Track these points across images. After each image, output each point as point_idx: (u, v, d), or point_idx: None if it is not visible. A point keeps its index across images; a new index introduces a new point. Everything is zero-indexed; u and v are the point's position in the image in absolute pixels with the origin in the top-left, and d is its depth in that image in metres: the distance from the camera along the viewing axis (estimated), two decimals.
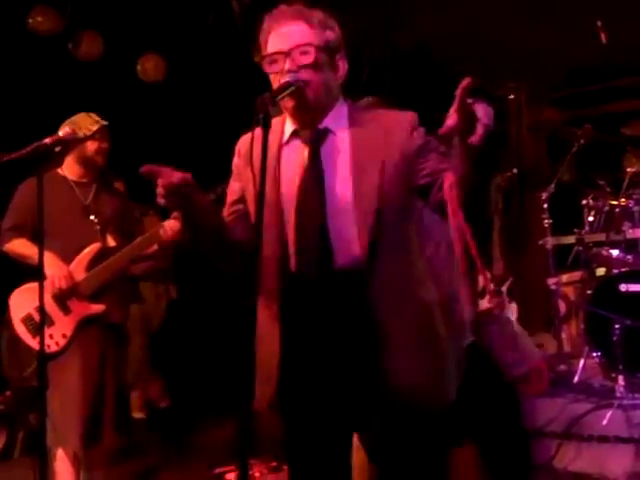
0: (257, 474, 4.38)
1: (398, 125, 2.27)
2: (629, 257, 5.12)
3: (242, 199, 2.41)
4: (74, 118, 4.10)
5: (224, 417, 5.49)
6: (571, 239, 5.47)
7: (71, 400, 3.97)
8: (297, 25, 2.24)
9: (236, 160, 2.47)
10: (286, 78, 2.18)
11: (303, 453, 2.34)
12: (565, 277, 5.67)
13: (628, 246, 5.15)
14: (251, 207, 2.34)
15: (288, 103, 2.21)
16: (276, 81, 2.22)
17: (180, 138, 6.57)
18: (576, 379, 4.89)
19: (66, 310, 3.97)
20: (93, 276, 3.97)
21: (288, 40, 2.22)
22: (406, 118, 2.29)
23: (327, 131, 2.28)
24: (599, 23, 5.66)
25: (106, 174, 4.33)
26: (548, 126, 7.31)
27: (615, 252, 5.19)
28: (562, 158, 5.66)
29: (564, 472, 4.28)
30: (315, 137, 2.27)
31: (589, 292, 4.99)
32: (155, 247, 4.14)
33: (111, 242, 4.14)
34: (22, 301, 4.04)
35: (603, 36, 5.68)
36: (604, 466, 4.17)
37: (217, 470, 4.54)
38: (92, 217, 4.09)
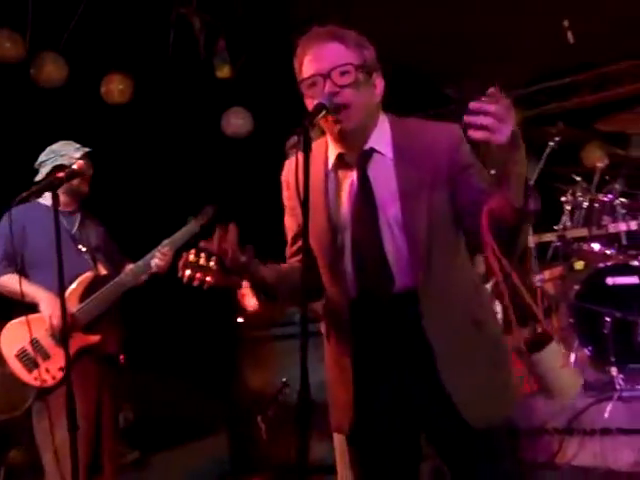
0: None
1: (444, 138, 2.25)
2: (611, 251, 5.19)
3: (299, 235, 2.40)
4: (55, 147, 4.04)
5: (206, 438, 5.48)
6: (552, 236, 5.52)
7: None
8: (334, 46, 2.21)
9: (285, 193, 2.45)
10: (318, 100, 2.15)
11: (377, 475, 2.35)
12: (547, 273, 5.72)
13: (609, 240, 5.22)
14: (313, 240, 2.29)
15: (333, 127, 2.19)
16: (311, 105, 2.19)
17: (150, 158, 6.49)
18: None
19: (62, 343, 3.89)
20: (88, 307, 3.91)
21: (326, 61, 2.19)
22: (452, 131, 2.27)
23: (372, 151, 2.26)
24: (566, 23, 5.73)
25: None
26: None
27: (596, 246, 5.26)
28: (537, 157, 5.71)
29: (568, 467, 4.30)
30: (361, 159, 2.25)
31: (576, 287, 5.03)
32: (145, 276, 4.08)
33: (102, 270, 4.08)
34: (14, 336, 3.94)
35: (570, 35, 5.75)
36: (608, 459, 4.20)
37: None
38: (80, 246, 4.03)
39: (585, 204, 5.28)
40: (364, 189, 2.22)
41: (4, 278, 4.01)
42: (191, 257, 3.15)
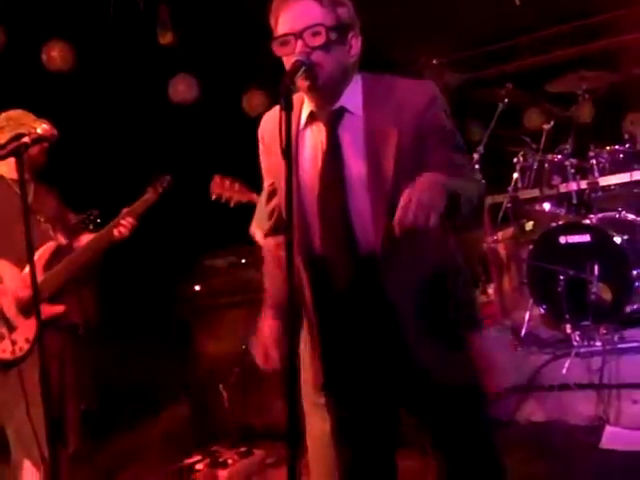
0: (229, 460, 4.35)
1: (415, 95, 2.20)
2: (562, 210, 5.28)
3: (275, 191, 2.40)
4: (12, 114, 3.92)
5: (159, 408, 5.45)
6: (504, 197, 5.58)
7: (36, 407, 3.84)
8: (307, 4, 2.17)
9: (260, 150, 2.43)
10: (296, 57, 2.12)
11: (353, 431, 2.37)
12: (499, 234, 5.80)
13: (560, 200, 5.31)
14: (281, 194, 2.31)
15: (303, 83, 2.15)
16: (288, 62, 2.16)
17: (97, 127, 6.36)
18: (523, 332, 5.03)
19: (27, 314, 3.82)
20: (52, 277, 3.82)
21: (298, 21, 2.16)
22: (424, 88, 2.24)
23: (343, 110, 2.23)
24: None
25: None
26: (448, 89, 7.44)
27: (547, 206, 5.35)
28: (487, 120, 5.77)
29: (527, 424, 4.40)
30: (332, 118, 2.22)
31: (530, 247, 5.11)
32: (109, 243, 4.02)
33: (62, 240, 4.00)
34: None
35: None
36: (566, 413, 4.31)
37: (186, 461, 4.46)
38: (38, 217, 3.93)
39: (535, 165, 5.35)
40: (332, 148, 2.21)
41: None
42: (218, 180, 3.69)
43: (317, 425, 2.66)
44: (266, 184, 2.47)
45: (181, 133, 6.86)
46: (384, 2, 6.07)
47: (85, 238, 4.13)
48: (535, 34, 7.13)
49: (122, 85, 6.70)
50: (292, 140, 2.11)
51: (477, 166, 5.55)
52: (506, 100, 5.58)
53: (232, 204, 3.76)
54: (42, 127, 3.10)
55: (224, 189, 3.78)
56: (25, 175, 3.94)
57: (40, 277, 3.83)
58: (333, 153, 2.20)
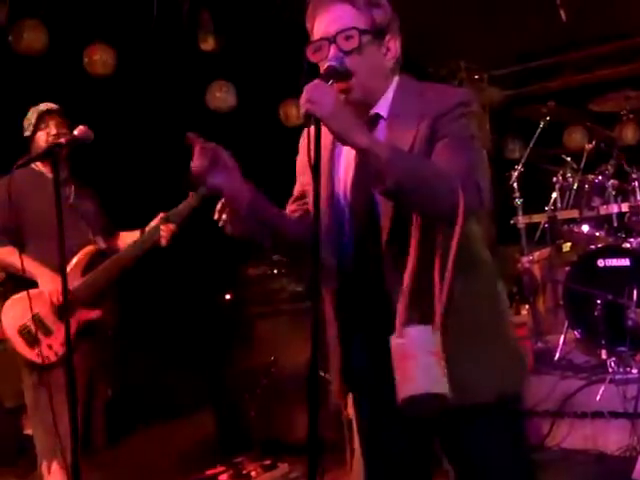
0: (253, 473, 4.30)
1: (438, 101, 2.10)
2: (601, 233, 5.18)
3: (302, 196, 2.35)
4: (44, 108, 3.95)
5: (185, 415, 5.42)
6: (543, 217, 5.49)
7: (65, 413, 3.83)
8: (341, 7, 2.11)
9: (299, 157, 2.38)
10: (329, 63, 2.06)
11: (378, 438, 2.30)
12: (535, 255, 5.71)
13: (599, 222, 5.20)
14: (310, 204, 2.22)
15: (340, 94, 2.07)
16: (322, 69, 2.10)
17: (134, 131, 6.37)
18: (557, 356, 4.94)
19: (64, 317, 3.80)
20: (90, 282, 3.81)
21: (331, 25, 2.10)
22: (451, 94, 2.14)
23: (378, 117, 2.16)
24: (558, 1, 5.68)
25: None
26: (490, 105, 7.36)
27: (586, 228, 5.24)
28: (527, 137, 5.70)
29: (558, 450, 4.30)
30: (366, 125, 2.11)
31: (567, 269, 5.02)
32: (149, 247, 4.00)
33: (101, 243, 3.99)
34: (15, 312, 3.84)
35: (563, 13, 5.70)
36: (598, 442, 4.21)
37: (208, 472, 4.43)
38: (79, 219, 3.92)
39: (575, 185, 5.25)
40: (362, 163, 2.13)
41: (2, 251, 3.90)
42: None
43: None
44: (296, 186, 2.41)
45: (217, 140, 6.85)
46: (426, 13, 6.03)
47: (121, 238, 4.12)
48: (580, 52, 7.01)
49: (161, 90, 6.70)
50: (326, 149, 2.10)
51: (515, 185, 5.48)
52: (548, 118, 5.51)
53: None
54: (78, 128, 3.06)
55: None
56: (63, 174, 3.97)
57: (78, 281, 3.84)
58: (364, 166, 2.10)
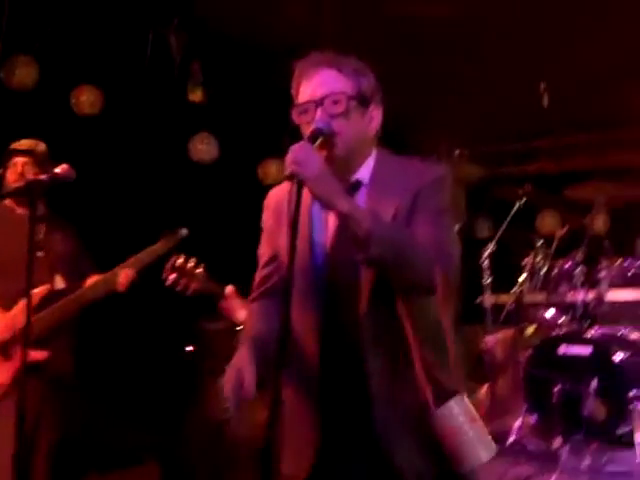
0: None
1: (418, 177, 2.15)
2: (565, 319, 5.20)
3: (275, 258, 2.32)
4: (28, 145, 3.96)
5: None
6: (509, 298, 5.52)
7: (3, 455, 3.74)
8: (329, 73, 2.15)
9: (265, 217, 2.38)
10: (315, 125, 2.09)
11: None
12: (499, 335, 5.72)
13: (564, 308, 5.23)
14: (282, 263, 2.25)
15: (321, 152, 2.08)
16: (307, 131, 2.12)
17: (116, 174, 6.37)
18: (511, 439, 4.91)
19: (6, 355, 3.75)
20: (39, 321, 3.74)
21: (319, 89, 2.14)
22: (429, 171, 2.18)
23: (359, 184, 2.18)
24: (543, 86, 5.80)
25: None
26: (467, 182, 7.44)
27: (551, 313, 5.27)
28: (500, 217, 5.75)
29: None
30: (346, 191, 2.11)
31: (528, 352, 5.02)
32: (106, 292, 3.95)
33: (60, 284, 3.93)
34: None
35: (545, 99, 5.82)
36: None
37: None
38: (40, 254, 3.87)
39: (544, 269, 5.29)
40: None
41: None
42: (179, 261, 3.08)
43: None
44: (263, 249, 2.39)
45: (197, 192, 6.87)
46: (412, 88, 6.13)
47: (89, 281, 4.05)
48: (560, 138, 7.14)
49: (145, 136, 6.74)
50: (303, 212, 2.09)
51: (485, 263, 5.51)
52: (524, 200, 5.57)
53: (190, 292, 3.25)
54: (61, 167, 3.03)
55: (184, 273, 3.29)
56: (40, 211, 3.94)
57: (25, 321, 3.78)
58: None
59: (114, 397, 5.57)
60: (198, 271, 3.26)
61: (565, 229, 5.62)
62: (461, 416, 2.11)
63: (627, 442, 4.56)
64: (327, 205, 1.99)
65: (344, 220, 1.99)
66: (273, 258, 2.34)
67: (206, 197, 6.89)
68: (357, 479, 2.17)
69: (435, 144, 7.21)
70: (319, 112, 2.12)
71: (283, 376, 2.13)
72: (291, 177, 1.94)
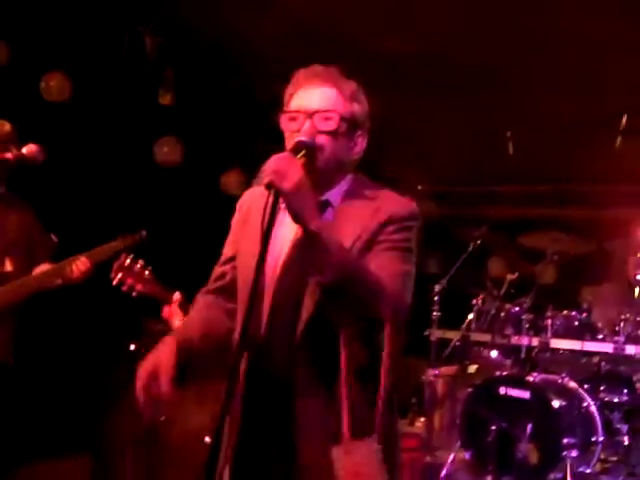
0: None
1: (389, 207, 2.14)
2: (508, 361, 5.31)
3: (232, 258, 2.33)
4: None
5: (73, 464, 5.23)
6: (456, 334, 5.60)
7: None
8: (328, 90, 2.17)
9: (235, 217, 2.38)
10: (300, 137, 2.10)
11: None
12: (442, 370, 5.79)
13: (508, 351, 5.33)
14: (240, 267, 2.26)
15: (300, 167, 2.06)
16: (290, 139, 2.14)
17: (81, 164, 6.30)
18: (443, 474, 4.96)
19: None
20: None
21: (315, 101, 2.16)
22: (402, 205, 2.17)
23: (327, 204, 2.19)
24: (508, 134, 5.94)
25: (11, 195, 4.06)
26: (424, 217, 7.53)
27: (494, 354, 5.38)
28: (454, 255, 5.85)
29: None
30: None
31: (469, 390, 5.09)
32: (58, 281, 3.89)
33: (8, 267, 3.86)
34: None
35: (510, 146, 5.96)
36: None
37: None
38: None
39: (492, 311, 5.40)
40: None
41: None
42: (127, 262, 3.04)
43: None
44: (226, 247, 2.39)
45: (157, 194, 6.83)
46: (382, 118, 6.20)
47: (38, 270, 3.98)
48: (520, 186, 7.30)
49: (111, 132, 6.69)
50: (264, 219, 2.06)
51: (436, 298, 5.59)
52: (478, 242, 5.67)
53: (135, 293, 3.25)
54: (28, 146, 2.99)
55: (131, 274, 3.29)
56: None
57: None
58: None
59: (50, 387, 5.48)
60: (146, 273, 3.23)
61: (515, 275, 5.73)
62: (368, 459, 2.07)
63: None
64: (298, 220, 1.98)
65: (310, 239, 1.98)
66: (231, 258, 2.35)
67: (166, 201, 6.86)
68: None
69: (398, 177, 7.31)
70: (308, 124, 2.14)
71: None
72: (269, 186, 1.94)
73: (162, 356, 2.16)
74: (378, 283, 2.01)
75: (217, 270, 2.38)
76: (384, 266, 2.06)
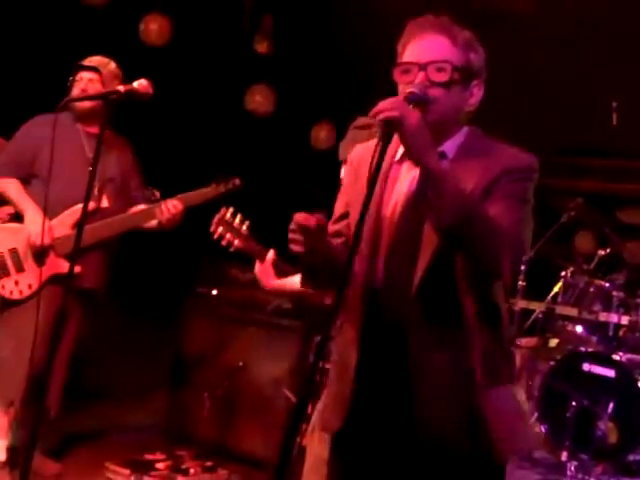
0: (192, 470, 4.20)
1: (507, 159, 2.08)
2: (593, 338, 5.16)
3: (346, 215, 2.28)
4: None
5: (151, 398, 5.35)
6: (539, 306, 5.46)
7: (23, 353, 3.75)
8: (440, 39, 2.11)
9: (345, 172, 2.36)
10: (411, 89, 2.04)
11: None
12: (524, 341, 5.66)
13: (594, 327, 5.19)
14: (352, 224, 2.16)
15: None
16: (403, 92, 2.08)
17: (175, 108, 6.33)
18: None
19: (40, 262, 3.76)
20: (76, 236, 3.72)
21: (427, 53, 2.09)
22: (522, 158, 2.11)
23: (442, 156, 2.11)
24: (614, 104, 5.72)
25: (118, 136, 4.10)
26: None
27: (579, 329, 5.24)
28: (544, 225, 5.68)
29: None
30: None
31: (551, 363, 4.98)
32: (153, 223, 3.95)
33: (105, 203, 3.93)
34: None
35: (615, 117, 5.74)
36: None
37: (147, 456, 4.33)
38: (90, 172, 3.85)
39: (581, 285, 5.24)
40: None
41: (3, 180, 3.90)
42: (227, 215, 3.03)
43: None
44: (338, 204, 2.36)
45: (247, 142, 6.83)
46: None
47: (134, 210, 4.06)
48: (621, 160, 7.04)
49: (205, 78, 6.71)
50: (382, 172, 2.03)
51: (522, 267, 5.45)
52: (572, 213, 5.49)
53: (232, 249, 3.12)
54: (139, 82, 2.98)
55: (230, 228, 3.14)
56: (97, 128, 3.90)
57: (66, 232, 3.79)
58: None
59: (132, 325, 5.59)
60: (243, 228, 3.22)
61: (607, 250, 5.55)
62: (522, 401, 2.12)
63: (636, 470, 4.53)
64: (417, 158, 1.93)
65: (430, 180, 1.93)
66: (344, 215, 2.30)
67: (255, 149, 6.86)
68: (387, 440, 2.13)
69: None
70: (420, 76, 2.07)
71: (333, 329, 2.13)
72: (385, 125, 1.88)
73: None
74: (498, 229, 1.95)
75: (331, 228, 2.32)
76: (501, 214, 1.99)
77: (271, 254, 3.06)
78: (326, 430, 2.30)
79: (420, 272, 2.05)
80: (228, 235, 3.04)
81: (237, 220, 3.08)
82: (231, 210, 3.06)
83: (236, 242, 3.02)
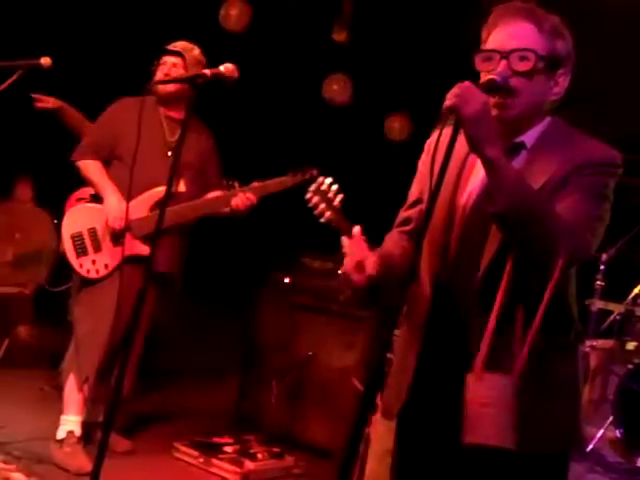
0: (259, 455, 4.22)
1: (587, 152, 2.01)
2: None
3: (419, 202, 2.25)
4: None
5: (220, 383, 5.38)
6: (618, 307, 5.31)
7: (98, 331, 3.84)
8: (524, 26, 2.04)
9: (422, 158, 2.30)
10: (493, 76, 1.98)
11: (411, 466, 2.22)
12: (600, 343, 5.51)
13: None
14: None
15: (493, 109, 1.98)
16: (484, 78, 2.02)
17: (255, 92, 6.34)
18: (589, 448, 4.76)
19: (117, 242, 3.81)
20: (153, 219, 3.73)
21: (510, 40, 2.02)
22: (602, 150, 2.03)
23: (522, 146, 2.08)
24: None
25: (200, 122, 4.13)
26: None
27: None
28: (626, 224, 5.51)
29: None
30: (507, 151, 2.01)
31: (629, 366, 4.84)
32: (226, 209, 3.97)
33: (181, 188, 3.95)
34: (77, 218, 3.95)
35: None
36: None
37: (215, 439, 4.35)
38: (170, 154, 3.89)
39: None
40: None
41: (85, 162, 3.95)
42: (324, 186, 3.01)
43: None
44: (412, 193, 2.32)
45: (323, 131, 6.81)
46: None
47: (210, 196, 4.08)
48: None
49: (282, 65, 6.71)
50: (457, 159, 2.04)
51: (602, 267, 5.31)
52: None
53: (323, 220, 2.88)
54: (225, 65, 2.96)
55: (325, 199, 2.91)
56: (181, 114, 3.94)
57: (143, 214, 3.84)
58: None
59: (208, 309, 5.63)
60: (336, 201, 3.19)
61: None
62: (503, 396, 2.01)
63: None
64: (476, 147, 1.90)
65: (487, 167, 1.90)
66: (417, 201, 2.26)
67: (332, 139, 6.84)
68: (444, 422, 2.10)
69: None
70: (502, 65, 2.01)
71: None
72: (449, 111, 1.86)
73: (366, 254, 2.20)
74: (557, 221, 1.90)
75: (402, 215, 2.31)
76: (572, 207, 1.94)
77: (357, 229, 3.05)
78: (385, 416, 2.27)
79: (485, 263, 2.02)
80: (322, 205, 3.02)
81: (332, 192, 3.07)
82: (329, 180, 3.04)
83: (328, 214, 3.00)
